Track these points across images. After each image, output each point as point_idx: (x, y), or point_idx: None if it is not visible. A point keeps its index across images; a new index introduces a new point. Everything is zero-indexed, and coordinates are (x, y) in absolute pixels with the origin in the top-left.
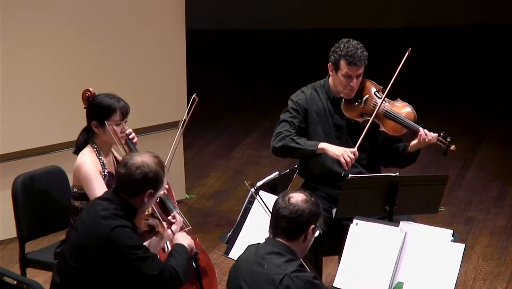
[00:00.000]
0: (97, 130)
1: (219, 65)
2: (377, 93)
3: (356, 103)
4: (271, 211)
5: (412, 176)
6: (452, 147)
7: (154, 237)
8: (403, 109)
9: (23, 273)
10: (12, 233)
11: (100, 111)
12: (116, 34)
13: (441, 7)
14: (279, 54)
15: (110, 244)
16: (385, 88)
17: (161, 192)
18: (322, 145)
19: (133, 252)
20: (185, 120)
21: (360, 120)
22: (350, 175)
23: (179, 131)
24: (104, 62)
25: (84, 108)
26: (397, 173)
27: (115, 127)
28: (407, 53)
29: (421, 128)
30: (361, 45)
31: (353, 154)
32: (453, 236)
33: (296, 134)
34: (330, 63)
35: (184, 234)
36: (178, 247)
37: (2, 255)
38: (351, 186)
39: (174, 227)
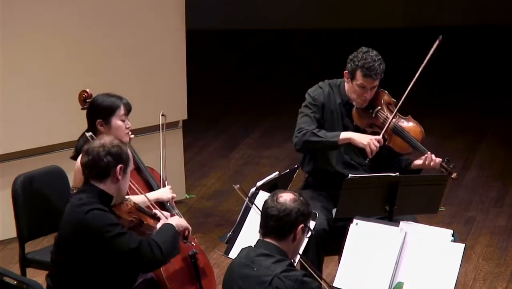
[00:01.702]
0: (102, 129)
1: (219, 65)
2: (389, 106)
3: (367, 114)
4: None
5: (412, 176)
6: (454, 175)
7: (148, 231)
8: (412, 128)
9: (23, 273)
10: (12, 233)
11: (105, 108)
12: (116, 34)
13: (441, 7)
14: (279, 54)
15: (85, 226)
16: (398, 102)
17: (132, 167)
18: (347, 135)
19: (110, 230)
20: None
21: (369, 130)
22: (350, 175)
23: (161, 140)
24: (104, 62)
25: (82, 109)
26: (397, 173)
27: (120, 122)
28: (423, 63)
29: (428, 152)
30: (380, 57)
31: (378, 142)
32: (453, 236)
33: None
34: (347, 71)
35: (177, 217)
36: (164, 225)
37: (2, 255)
38: (351, 186)
39: (160, 223)
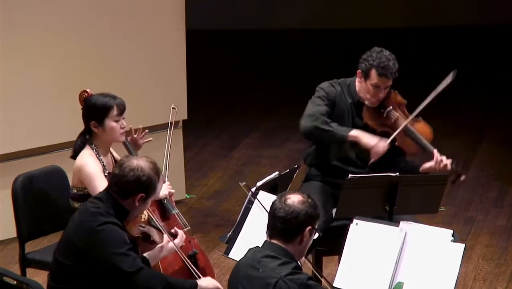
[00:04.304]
0: (97, 130)
1: (219, 65)
2: (400, 107)
3: (378, 113)
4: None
5: (412, 176)
6: (462, 178)
7: (155, 248)
8: (423, 129)
9: (23, 273)
10: (12, 233)
11: (98, 110)
12: (116, 34)
13: (441, 7)
14: (279, 54)
15: (96, 238)
16: (409, 104)
17: (154, 198)
18: (356, 132)
19: (118, 247)
20: (171, 122)
21: (379, 129)
22: (350, 175)
23: (168, 133)
24: (104, 62)
25: (82, 109)
26: (397, 173)
27: (114, 124)
28: (450, 79)
29: (437, 153)
30: (393, 56)
31: (384, 147)
32: (453, 236)
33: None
34: (360, 70)
35: (210, 278)
36: (189, 282)
37: (2, 255)
38: (351, 186)
39: (177, 241)
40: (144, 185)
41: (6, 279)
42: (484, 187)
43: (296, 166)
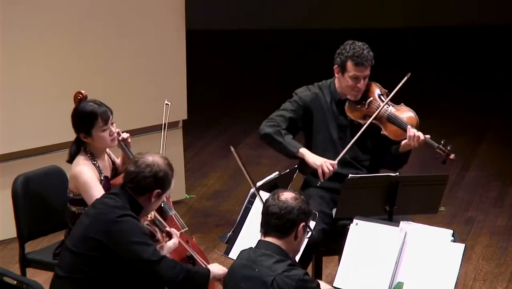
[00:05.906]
0: (87, 140)
1: (219, 65)
2: (381, 96)
3: (360, 105)
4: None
5: (412, 176)
6: (452, 156)
7: (158, 246)
8: (406, 114)
9: (23, 273)
10: (12, 233)
11: (83, 122)
12: (116, 34)
13: (441, 8)
14: (279, 54)
15: (116, 229)
16: (390, 92)
17: (168, 193)
18: (303, 151)
19: (139, 237)
20: (165, 124)
21: (363, 122)
22: (350, 175)
23: (163, 134)
24: (103, 63)
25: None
26: (397, 173)
27: (101, 133)
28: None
29: (410, 127)
30: (367, 46)
31: (332, 166)
32: (453, 236)
33: (287, 129)
34: (336, 65)
35: (217, 264)
36: (202, 269)
37: (2, 255)
38: (351, 186)
39: (171, 242)
40: (161, 180)
41: (6, 279)
42: (484, 187)
43: (296, 166)
